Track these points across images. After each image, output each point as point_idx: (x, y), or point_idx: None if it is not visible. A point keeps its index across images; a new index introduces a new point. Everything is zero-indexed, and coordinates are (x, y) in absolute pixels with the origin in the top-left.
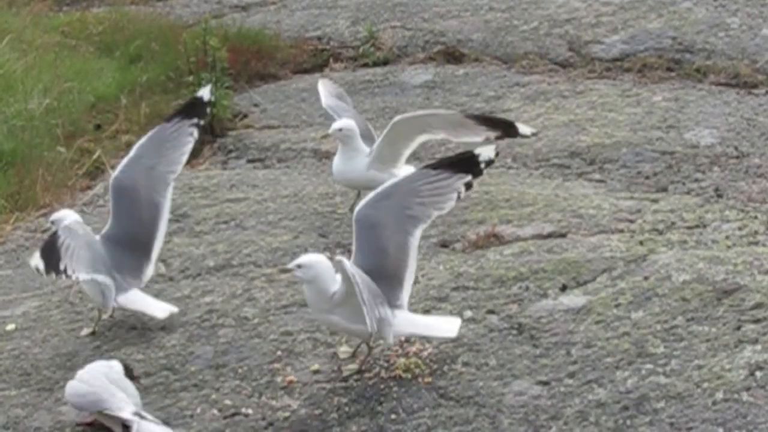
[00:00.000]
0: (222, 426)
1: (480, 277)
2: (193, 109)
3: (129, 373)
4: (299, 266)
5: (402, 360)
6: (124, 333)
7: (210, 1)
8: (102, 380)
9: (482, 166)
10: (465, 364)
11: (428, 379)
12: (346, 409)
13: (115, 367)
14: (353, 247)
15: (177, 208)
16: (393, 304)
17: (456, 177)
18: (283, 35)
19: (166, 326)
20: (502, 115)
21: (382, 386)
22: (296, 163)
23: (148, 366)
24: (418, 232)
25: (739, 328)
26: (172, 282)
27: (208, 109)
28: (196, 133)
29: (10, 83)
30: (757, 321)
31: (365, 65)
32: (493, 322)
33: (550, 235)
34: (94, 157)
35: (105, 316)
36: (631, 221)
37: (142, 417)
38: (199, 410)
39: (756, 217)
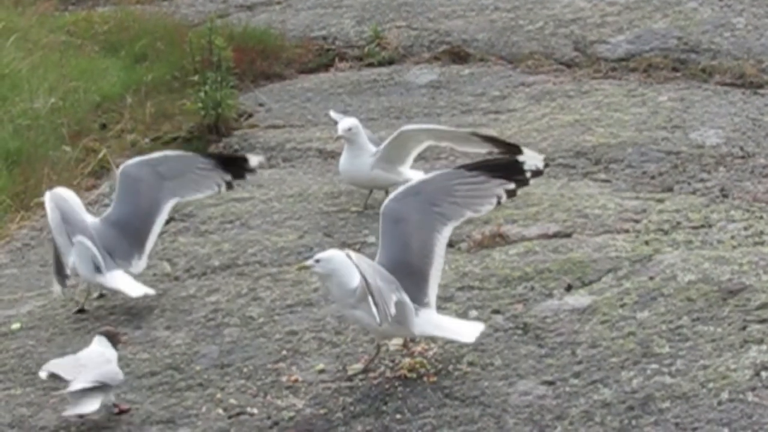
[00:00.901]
0: (227, 425)
1: (485, 277)
2: (231, 164)
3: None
4: (317, 261)
5: (407, 360)
6: (130, 332)
7: (215, 1)
8: None
9: (528, 175)
10: (470, 363)
11: (433, 379)
12: (351, 408)
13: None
14: (379, 242)
15: (182, 207)
16: (420, 302)
17: (495, 182)
18: (289, 35)
19: (171, 326)
20: (508, 133)
21: (387, 386)
22: (301, 163)
23: (154, 365)
24: (447, 231)
25: (744, 328)
26: (177, 281)
27: (247, 175)
28: (222, 188)
29: (16, 82)
30: (762, 321)
31: (370, 65)
32: (498, 322)
33: (555, 235)
34: (100, 156)
35: (94, 295)
36: (637, 221)
37: None
38: (204, 409)
39: (761, 217)
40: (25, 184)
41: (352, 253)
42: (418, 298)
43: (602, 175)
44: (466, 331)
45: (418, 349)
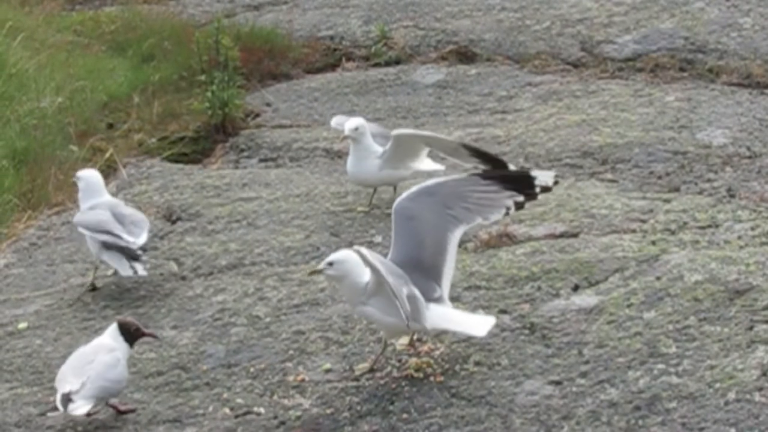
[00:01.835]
0: (234, 425)
1: (492, 277)
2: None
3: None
4: (330, 264)
5: (414, 359)
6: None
7: (222, 1)
8: None
9: (537, 190)
10: (477, 363)
11: (440, 379)
12: (358, 408)
13: None
14: (392, 240)
15: (189, 207)
16: (432, 297)
17: (506, 193)
18: (296, 34)
19: (178, 325)
20: (500, 155)
21: (393, 385)
22: (308, 163)
23: (160, 365)
24: (458, 232)
25: (751, 328)
26: (184, 281)
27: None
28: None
29: (23, 82)
30: None
31: (377, 65)
32: (505, 322)
33: (562, 235)
34: (106, 155)
35: (109, 272)
36: (644, 221)
37: None
38: (210, 409)
39: None
40: (31, 183)
41: (364, 250)
42: (430, 292)
43: (609, 175)
44: (478, 324)
45: (425, 348)
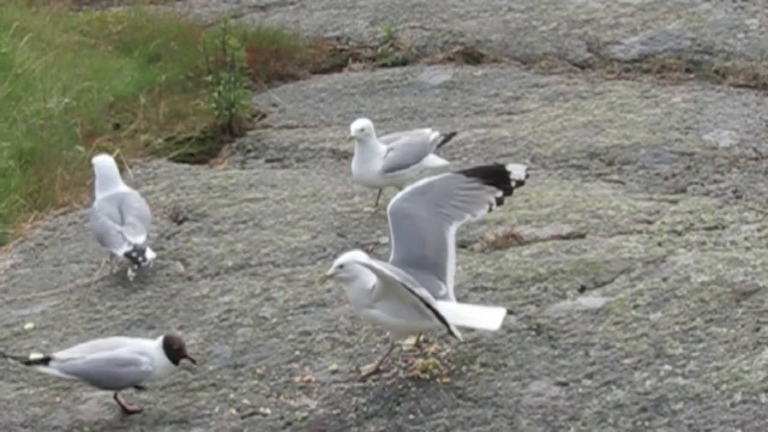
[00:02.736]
0: (240, 425)
1: (498, 278)
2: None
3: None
4: (341, 266)
5: (420, 360)
6: (143, 332)
7: (229, 1)
8: None
9: (512, 184)
10: (483, 364)
11: (446, 380)
12: (365, 409)
13: None
14: (391, 240)
15: (196, 207)
16: (438, 295)
17: (486, 189)
18: (302, 35)
19: (185, 326)
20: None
21: (400, 386)
22: (315, 163)
23: None
24: (453, 228)
25: (757, 329)
26: (190, 281)
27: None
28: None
29: (30, 82)
30: None
31: (384, 65)
32: (511, 323)
33: (568, 236)
34: (113, 156)
35: (120, 254)
36: (650, 222)
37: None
38: (217, 409)
39: None
40: (38, 183)
41: (364, 258)
42: (436, 290)
43: (615, 176)
44: (490, 318)
45: (431, 349)
